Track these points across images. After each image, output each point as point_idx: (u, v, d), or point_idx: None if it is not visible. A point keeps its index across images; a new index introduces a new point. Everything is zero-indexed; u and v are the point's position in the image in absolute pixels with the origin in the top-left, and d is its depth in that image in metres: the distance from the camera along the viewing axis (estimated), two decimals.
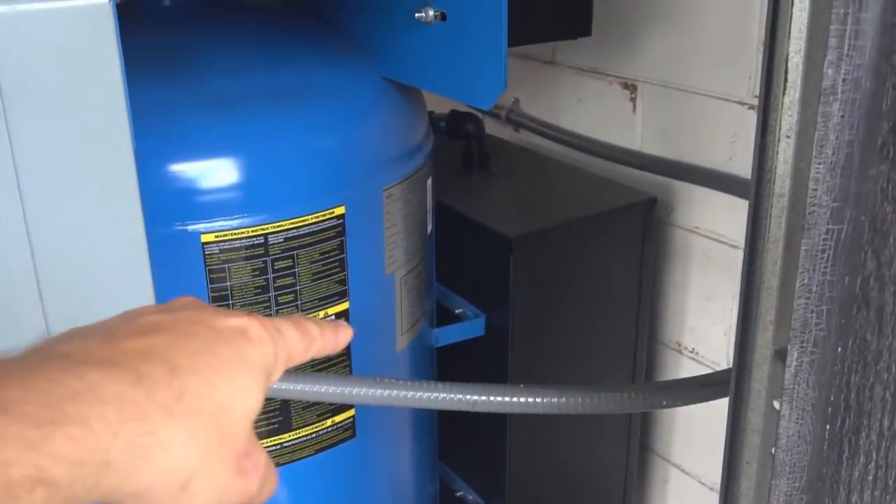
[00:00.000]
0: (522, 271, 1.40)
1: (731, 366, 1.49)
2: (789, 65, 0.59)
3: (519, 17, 1.02)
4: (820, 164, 0.46)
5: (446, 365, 1.48)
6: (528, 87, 1.93)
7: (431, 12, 1.09)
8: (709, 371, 1.70)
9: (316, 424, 1.19)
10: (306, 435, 1.19)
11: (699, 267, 1.67)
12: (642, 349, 1.65)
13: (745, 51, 1.47)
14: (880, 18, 0.45)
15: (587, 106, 1.82)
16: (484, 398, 0.97)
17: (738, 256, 1.58)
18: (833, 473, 0.52)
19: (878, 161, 0.46)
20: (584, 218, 1.47)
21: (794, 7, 0.58)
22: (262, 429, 1.15)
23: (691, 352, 1.73)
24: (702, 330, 1.70)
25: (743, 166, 1.52)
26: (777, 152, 0.62)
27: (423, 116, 1.31)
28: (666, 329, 1.77)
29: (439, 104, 1.68)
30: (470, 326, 1.46)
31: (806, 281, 0.49)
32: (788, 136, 0.61)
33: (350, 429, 1.23)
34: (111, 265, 0.78)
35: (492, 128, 1.89)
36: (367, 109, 1.18)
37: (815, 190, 0.47)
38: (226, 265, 1.06)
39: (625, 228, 1.51)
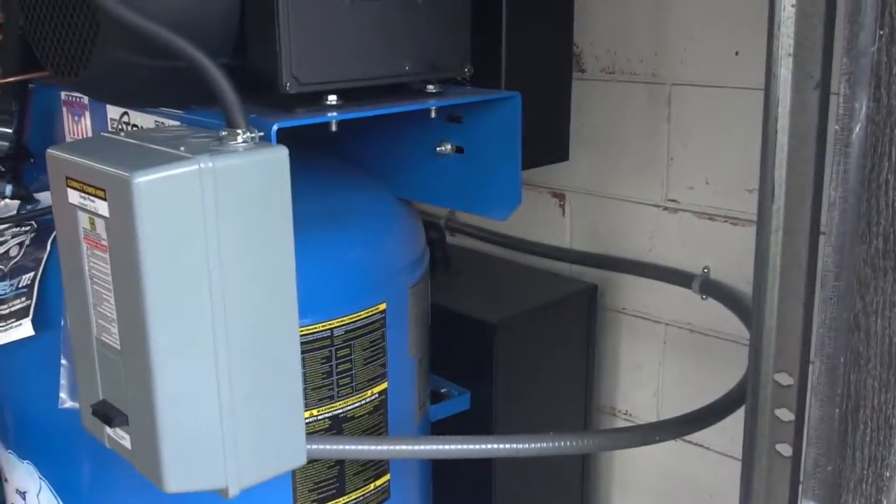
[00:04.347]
0: (502, 351, 1.69)
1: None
2: (776, 186, 0.93)
3: None
4: (829, 247, 0.79)
5: None
6: None
7: (449, 146, 1.38)
8: None
9: (363, 489, 1.42)
10: (355, 499, 1.41)
11: (627, 340, 2.01)
12: (591, 413, 1.95)
13: (658, 163, 1.86)
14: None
15: (520, 211, 2.15)
16: (527, 445, 1.24)
17: (661, 330, 1.93)
18: (842, 440, 0.84)
19: (860, 243, 0.79)
20: (544, 304, 1.78)
21: (777, 147, 0.93)
22: (323, 495, 1.36)
23: (625, 414, 2.05)
24: (633, 394, 2.03)
25: (661, 256, 1.88)
26: (770, 244, 0.95)
27: (422, 228, 1.59)
28: (602, 395, 2.08)
29: None
30: (458, 402, 1.73)
31: (823, 318, 0.81)
32: (777, 231, 0.95)
33: (386, 491, 1.46)
34: (276, 358, 1.02)
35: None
36: (393, 225, 1.46)
37: (827, 262, 0.79)
38: (302, 356, 1.29)
39: (575, 312, 1.84)
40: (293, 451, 1.07)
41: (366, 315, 1.35)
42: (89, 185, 0.95)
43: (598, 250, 2.00)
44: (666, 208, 1.86)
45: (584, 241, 2.03)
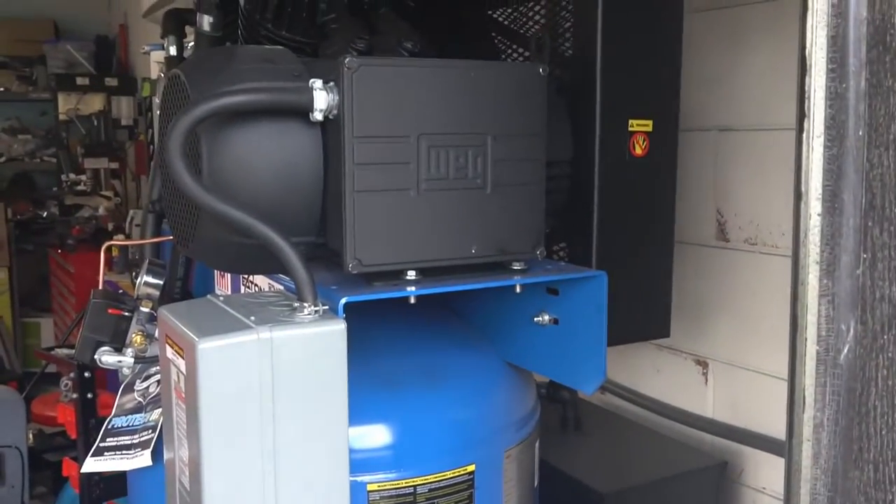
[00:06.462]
0: None
1: None
2: (806, 399, 0.91)
3: (610, 322, 1.35)
4: (818, 468, 0.76)
5: None
6: (615, 357, 2.25)
7: (547, 317, 1.43)
8: None
9: None
10: None
11: None
12: None
13: None
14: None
15: (665, 376, 2.12)
16: None
17: None
18: None
19: (853, 469, 0.76)
20: (664, 478, 1.73)
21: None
22: None
23: None
24: None
25: None
26: (802, 462, 0.92)
27: (532, 391, 1.63)
28: None
29: None
30: None
31: None
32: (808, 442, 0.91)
33: None
34: None
35: None
36: (493, 388, 1.51)
37: (816, 484, 0.76)
38: None
39: (699, 487, 1.77)
40: None
41: (451, 475, 1.40)
42: (176, 344, 1.09)
43: (739, 423, 1.93)
44: None
45: (725, 412, 1.97)
